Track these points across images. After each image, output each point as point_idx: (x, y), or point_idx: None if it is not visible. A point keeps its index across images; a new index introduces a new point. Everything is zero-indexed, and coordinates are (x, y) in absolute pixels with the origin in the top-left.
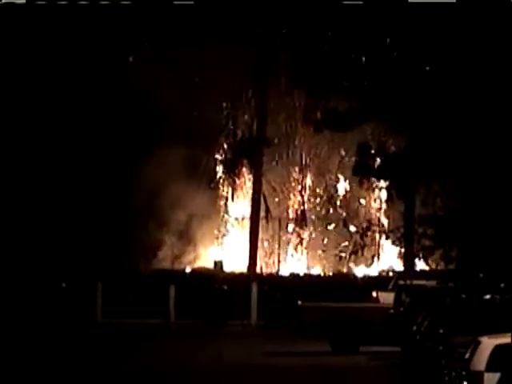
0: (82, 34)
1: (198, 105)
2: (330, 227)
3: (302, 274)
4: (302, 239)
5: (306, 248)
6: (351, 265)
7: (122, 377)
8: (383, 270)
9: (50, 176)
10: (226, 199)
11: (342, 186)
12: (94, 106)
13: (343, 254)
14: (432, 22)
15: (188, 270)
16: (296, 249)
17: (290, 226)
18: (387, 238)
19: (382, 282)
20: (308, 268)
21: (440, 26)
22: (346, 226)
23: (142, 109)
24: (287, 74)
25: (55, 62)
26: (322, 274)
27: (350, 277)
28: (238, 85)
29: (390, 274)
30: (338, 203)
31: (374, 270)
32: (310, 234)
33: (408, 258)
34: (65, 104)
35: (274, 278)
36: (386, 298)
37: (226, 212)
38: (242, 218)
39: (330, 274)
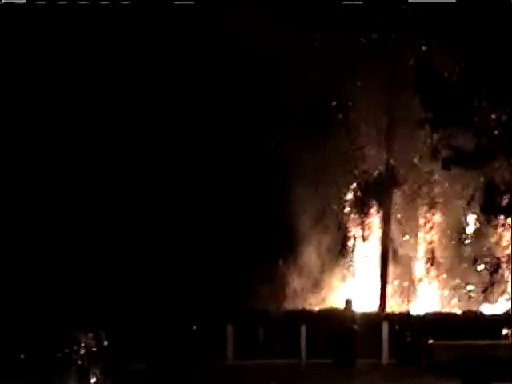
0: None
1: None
2: (460, 265)
3: (433, 313)
4: (431, 277)
5: (436, 286)
6: (482, 303)
7: None
8: None
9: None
10: (355, 239)
11: (472, 224)
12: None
13: (473, 293)
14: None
15: (318, 309)
16: (426, 287)
17: (420, 264)
18: None
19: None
20: (439, 306)
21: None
22: (475, 263)
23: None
24: (415, 110)
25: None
26: (453, 312)
27: (481, 315)
28: (364, 120)
29: None
30: (468, 241)
31: (503, 307)
32: (440, 272)
33: None
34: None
35: (405, 317)
36: None
37: (356, 251)
38: (372, 257)
39: (461, 311)
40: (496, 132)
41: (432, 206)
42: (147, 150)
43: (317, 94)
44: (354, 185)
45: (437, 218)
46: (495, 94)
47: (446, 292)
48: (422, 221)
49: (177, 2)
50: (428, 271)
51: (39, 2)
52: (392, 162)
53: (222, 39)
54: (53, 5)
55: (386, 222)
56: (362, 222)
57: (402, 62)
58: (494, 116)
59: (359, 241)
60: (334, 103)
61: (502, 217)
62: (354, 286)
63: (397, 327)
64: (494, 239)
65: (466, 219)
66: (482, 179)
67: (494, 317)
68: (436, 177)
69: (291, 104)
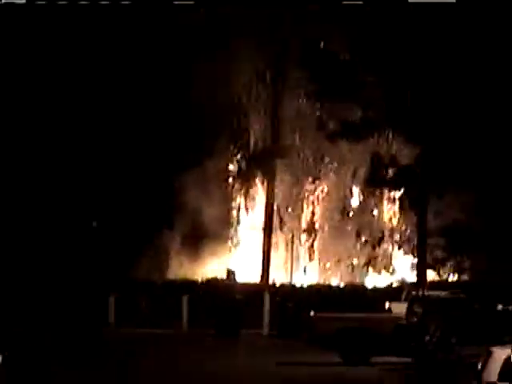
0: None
1: (212, 116)
2: (343, 238)
3: (314, 285)
4: (314, 249)
5: (318, 259)
6: (363, 275)
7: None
8: (396, 281)
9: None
10: (239, 210)
11: (356, 197)
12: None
13: (355, 265)
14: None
15: (201, 279)
16: (309, 259)
17: (303, 237)
18: (399, 249)
19: (394, 292)
20: (321, 278)
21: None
22: (358, 236)
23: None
24: (301, 83)
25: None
26: (335, 285)
27: (362, 287)
28: (251, 94)
29: (402, 284)
30: (351, 214)
31: (386, 281)
32: (323, 244)
33: (420, 269)
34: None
35: (287, 289)
36: (399, 308)
37: (239, 222)
38: (255, 228)
39: (342, 284)
40: (382, 106)
41: (317, 178)
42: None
43: (195, 67)
44: (239, 156)
45: (321, 190)
46: (381, 68)
47: (329, 264)
48: (306, 193)
49: (176, 2)
50: (311, 243)
51: (39, 2)
52: (278, 133)
53: None
54: (53, 5)
55: (270, 193)
56: (247, 193)
57: (290, 37)
58: (380, 90)
59: (243, 212)
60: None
61: (386, 190)
62: (237, 257)
63: (278, 298)
64: (377, 212)
65: (350, 192)
66: (367, 152)
67: (376, 290)
68: (321, 149)
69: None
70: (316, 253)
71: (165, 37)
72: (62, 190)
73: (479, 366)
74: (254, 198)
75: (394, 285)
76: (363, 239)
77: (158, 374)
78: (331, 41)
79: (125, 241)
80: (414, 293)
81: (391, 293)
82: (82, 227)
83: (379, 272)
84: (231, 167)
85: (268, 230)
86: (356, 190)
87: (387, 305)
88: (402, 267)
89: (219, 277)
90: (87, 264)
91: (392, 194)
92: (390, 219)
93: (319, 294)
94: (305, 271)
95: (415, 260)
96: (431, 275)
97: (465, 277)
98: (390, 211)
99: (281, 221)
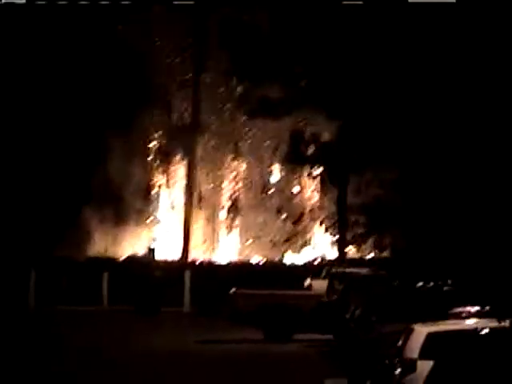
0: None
1: (132, 93)
2: (263, 215)
3: (235, 262)
4: (234, 226)
5: (239, 236)
6: (284, 252)
7: (46, 362)
8: (316, 258)
9: None
10: (160, 187)
11: (277, 174)
12: None
13: (276, 242)
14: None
15: (121, 257)
16: (229, 236)
17: (224, 214)
18: (320, 226)
19: (314, 269)
20: (242, 256)
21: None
22: (279, 213)
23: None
24: (222, 60)
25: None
26: (255, 262)
27: (283, 264)
28: (171, 70)
29: (323, 261)
30: (272, 191)
31: (306, 258)
32: (244, 221)
33: (340, 246)
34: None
35: (207, 266)
36: (319, 285)
37: (159, 199)
38: (175, 206)
39: (263, 261)
40: (302, 83)
41: (237, 155)
42: None
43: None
44: (160, 133)
45: (242, 167)
46: (301, 45)
47: (250, 241)
48: (226, 170)
49: (176, 2)
50: (232, 220)
51: (39, 2)
52: (198, 110)
53: None
54: (53, 5)
55: (190, 170)
56: (167, 170)
57: (210, 13)
58: (300, 67)
59: (164, 189)
60: (139, 51)
61: (306, 167)
62: (157, 234)
63: (199, 275)
64: (298, 189)
65: (271, 169)
66: (287, 129)
67: (297, 267)
68: (242, 126)
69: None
70: (237, 230)
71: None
72: None
73: (400, 344)
74: (174, 175)
75: (315, 262)
76: (283, 216)
77: (73, 352)
78: (252, 17)
79: (47, 218)
80: (334, 270)
81: (312, 270)
82: (3, 205)
83: (300, 249)
84: (152, 144)
85: (188, 207)
86: (277, 167)
87: (308, 282)
88: (323, 244)
89: (139, 254)
90: (8, 242)
91: (312, 171)
92: (311, 196)
93: (240, 271)
94: (226, 248)
95: (336, 237)
96: (352, 252)
97: (385, 254)
98: (310, 188)
99: (201, 198)
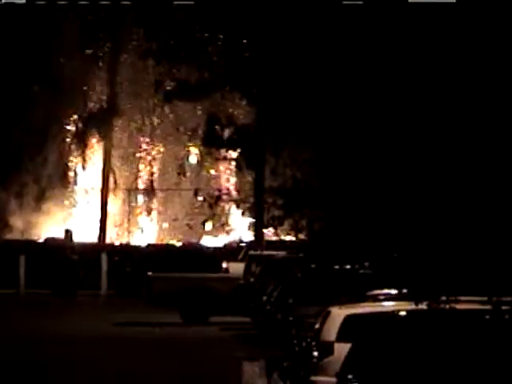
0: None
1: (50, 73)
2: (180, 197)
3: (152, 245)
4: (151, 209)
5: (156, 218)
6: (201, 235)
7: None
8: (233, 241)
9: None
10: (76, 169)
11: (193, 157)
12: None
13: (193, 224)
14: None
15: (38, 239)
16: (146, 219)
17: (140, 197)
18: (238, 208)
19: (231, 252)
20: (159, 239)
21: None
22: (196, 195)
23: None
24: (139, 43)
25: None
26: (172, 244)
27: (200, 247)
28: (90, 54)
29: (240, 244)
30: (189, 174)
31: (223, 241)
32: (161, 204)
33: (258, 228)
34: None
35: (125, 249)
36: (236, 268)
37: (76, 183)
38: (92, 189)
39: (179, 244)
40: (219, 65)
41: (154, 138)
42: None
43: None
44: (76, 116)
45: (158, 150)
46: (218, 26)
47: (166, 224)
48: (143, 153)
49: (176, 2)
50: (149, 203)
51: (39, 2)
52: (114, 93)
53: None
54: (53, 5)
55: (106, 153)
56: (84, 153)
57: None
58: (216, 49)
59: (80, 171)
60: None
61: (223, 150)
62: (74, 217)
63: (116, 258)
64: (215, 172)
65: (187, 152)
66: (204, 112)
67: (214, 249)
68: (158, 109)
69: None
70: (154, 212)
71: None
72: None
73: (317, 326)
74: (90, 158)
75: (233, 244)
76: (200, 198)
77: None
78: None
79: None
80: (251, 252)
81: (229, 252)
82: None
83: (217, 231)
84: (68, 127)
85: (105, 190)
86: (193, 150)
87: (224, 265)
88: (240, 226)
89: (56, 237)
90: None
91: (229, 153)
92: (228, 179)
93: (157, 254)
94: (142, 231)
95: (253, 219)
96: (269, 234)
97: (302, 236)
98: (227, 171)
99: (117, 181)
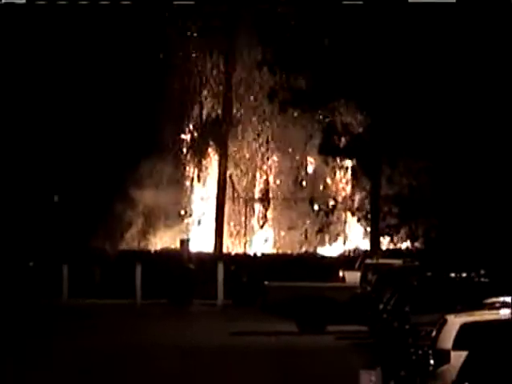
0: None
1: (164, 85)
2: (296, 207)
3: (268, 254)
4: (267, 219)
5: (272, 227)
6: (317, 244)
7: (83, 356)
8: (349, 249)
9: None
10: (192, 180)
11: (309, 166)
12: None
13: (309, 233)
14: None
15: (154, 249)
16: (262, 228)
17: (257, 206)
18: (353, 216)
19: (348, 261)
20: (274, 248)
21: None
22: (311, 204)
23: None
24: (254, 53)
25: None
26: (288, 254)
27: (316, 256)
28: (203, 64)
29: (356, 252)
30: (305, 183)
31: (340, 249)
32: (277, 213)
33: (374, 237)
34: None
35: (241, 258)
36: (353, 277)
37: (193, 192)
38: (208, 198)
39: (296, 253)
40: (335, 74)
41: (270, 147)
42: None
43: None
44: (191, 126)
45: (275, 159)
46: (337, 36)
47: (283, 233)
48: (259, 162)
49: (176, 2)
50: (265, 212)
51: (39, 2)
52: (230, 103)
53: None
54: (53, 5)
55: (222, 162)
56: (200, 163)
57: (243, 5)
58: (332, 59)
59: (196, 181)
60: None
61: (339, 158)
62: (190, 227)
63: (232, 268)
64: (331, 181)
65: (303, 160)
66: (320, 121)
67: (330, 258)
68: (274, 118)
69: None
70: (270, 222)
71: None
72: (24, 168)
73: (433, 334)
74: (207, 168)
75: (348, 253)
76: (316, 207)
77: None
78: (284, 8)
79: (82, 213)
80: (367, 261)
81: (345, 261)
82: (44, 202)
83: (333, 240)
84: (184, 137)
85: (221, 200)
86: (309, 159)
87: (341, 273)
88: (356, 235)
89: (173, 246)
90: (45, 236)
91: (345, 162)
92: (344, 187)
93: (273, 263)
94: (259, 240)
95: (369, 228)
96: (385, 243)
97: (418, 244)
98: (343, 179)
99: (234, 190)
